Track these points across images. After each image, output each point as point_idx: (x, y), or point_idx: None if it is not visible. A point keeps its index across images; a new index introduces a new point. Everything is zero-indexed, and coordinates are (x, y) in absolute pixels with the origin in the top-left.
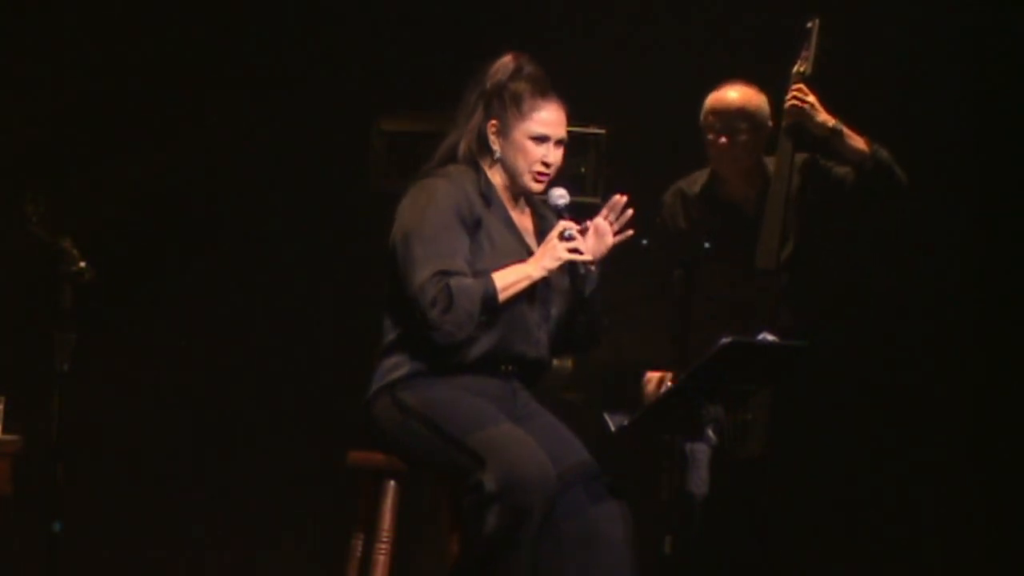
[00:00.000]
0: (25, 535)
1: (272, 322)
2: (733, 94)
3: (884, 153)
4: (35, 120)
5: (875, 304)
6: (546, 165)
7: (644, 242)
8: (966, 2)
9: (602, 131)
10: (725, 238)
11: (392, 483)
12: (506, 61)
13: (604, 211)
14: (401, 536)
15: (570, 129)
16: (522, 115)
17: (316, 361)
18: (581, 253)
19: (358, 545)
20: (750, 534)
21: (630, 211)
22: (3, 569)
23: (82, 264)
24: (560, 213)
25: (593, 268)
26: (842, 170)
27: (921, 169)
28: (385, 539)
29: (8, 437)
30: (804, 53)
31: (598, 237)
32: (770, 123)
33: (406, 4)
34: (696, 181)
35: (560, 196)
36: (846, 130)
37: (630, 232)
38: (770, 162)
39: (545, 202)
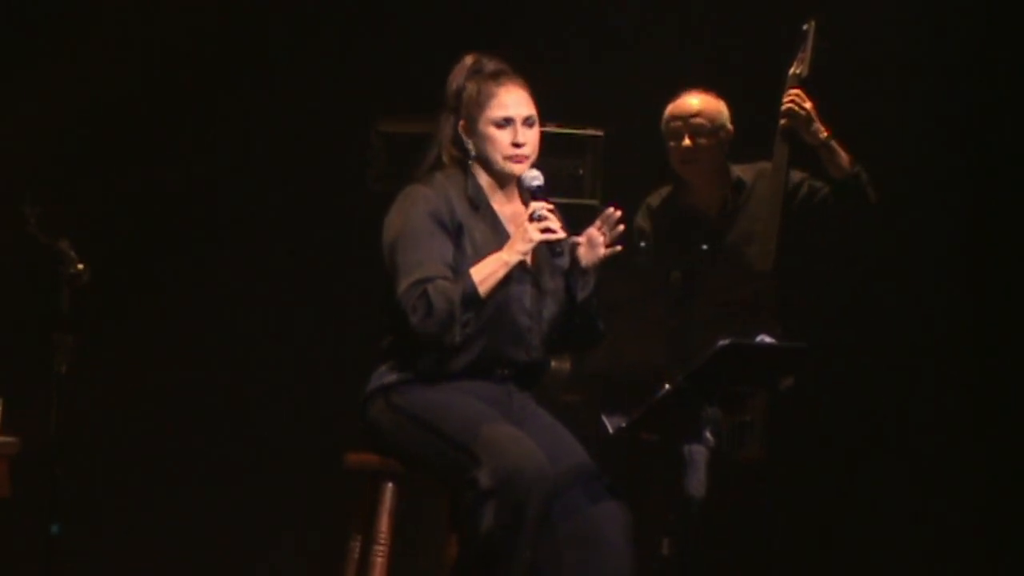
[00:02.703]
0: (24, 537)
1: (271, 323)
2: (693, 100)
3: (864, 174)
4: (34, 122)
5: (874, 305)
6: (517, 146)
7: (643, 244)
8: (966, 2)
9: (599, 133)
10: (688, 246)
11: (390, 485)
12: (464, 62)
13: (598, 222)
14: (399, 538)
15: (568, 131)
16: (480, 105)
17: (315, 362)
18: (554, 232)
19: (356, 547)
20: (748, 536)
21: (621, 227)
22: (2, 571)
23: (80, 266)
24: (534, 194)
25: (590, 274)
26: (822, 187)
27: (920, 170)
28: (383, 541)
29: (7, 439)
30: (800, 55)
31: (591, 247)
32: (730, 127)
33: (406, 5)
34: (660, 194)
35: (534, 178)
36: (835, 144)
37: (619, 248)
38: (740, 168)
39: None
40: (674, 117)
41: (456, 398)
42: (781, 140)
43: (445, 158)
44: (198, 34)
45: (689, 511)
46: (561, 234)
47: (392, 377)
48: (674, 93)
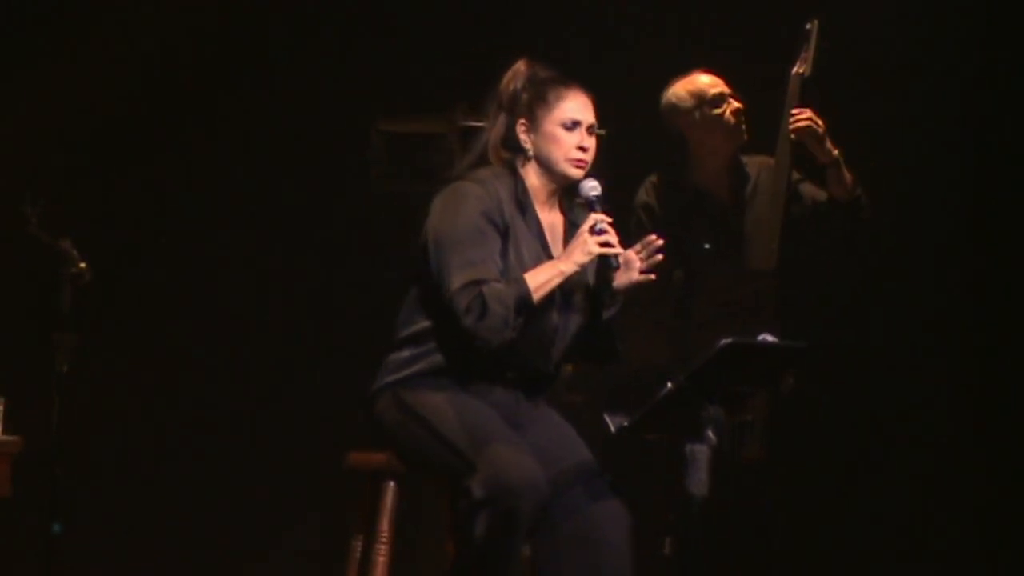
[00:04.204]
0: (25, 537)
1: (272, 323)
2: (708, 74)
3: (863, 195)
4: (34, 122)
5: (874, 305)
6: (582, 150)
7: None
8: (966, 2)
9: (601, 132)
10: (698, 223)
11: (391, 484)
12: (520, 67)
13: (637, 246)
14: (399, 538)
15: None
16: (548, 105)
17: (316, 362)
18: (612, 246)
19: (357, 546)
20: (750, 535)
21: (660, 256)
22: (3, 570)
23: (82, 265)
24: (592, 205)
25: (619, 295)
26: (819, 195)
27: (920, 169)
28: (384, 540)
29: (8, 438)
30: (803, 54)
31: (625, 269)
32: None
33: (406, 5)
34: (664, 173)
35: (592, 188)
36: (843, 164)
37: (652, 276)
38: (745, 158)
39: (580, 205)
40: (712, 86)
41: (462, 402)
42: (785, 139)
43: (492, 159)
44: (198, 34)
45: (690, 510)
46: (619, 249)
47: (404, 372)
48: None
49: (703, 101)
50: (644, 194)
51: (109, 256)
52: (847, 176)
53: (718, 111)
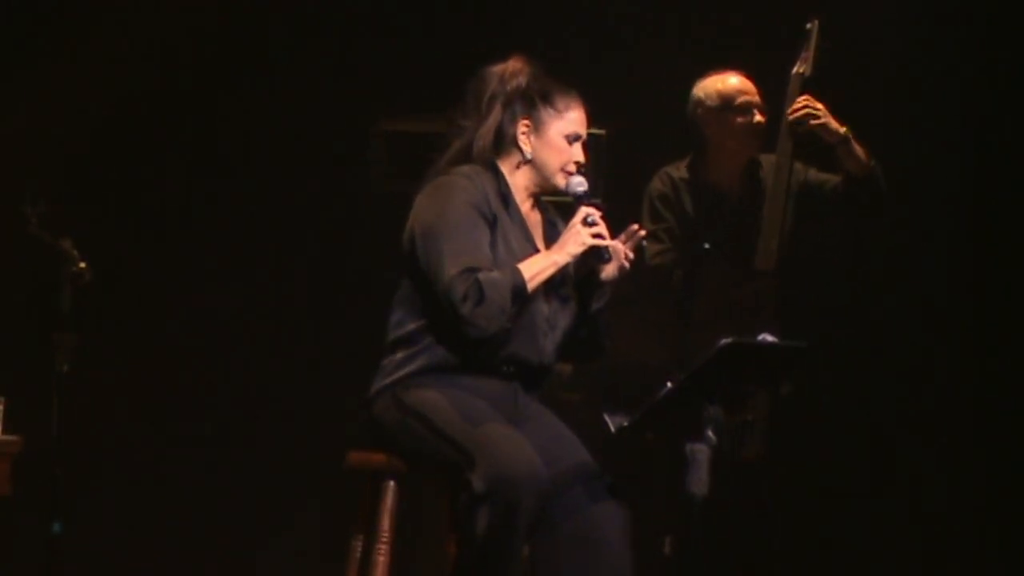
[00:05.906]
0: (25, 536)
1: (272, 323)
2: (745, 79)
3: (878, 167)
4: (34, 122)
5: (874, 304)
6: (578, 164)
7: (644, 243)
8: (966, 2)
9: (601, 132)
10: (718, 224)
11: (391, 484)
12: (517, 64)
13: (622, 236)
14: (400, 537)
15: None
16: (558, 113)
17: (316, 361)
18: (604, 237)
19: (358, 546)
20: (750, 535)
21: (629, 256)
22: (3, 570)
23: (82, 265)
24: (580, 200)
25: (606, 287)
26: (829, 180)
27: (920, 169)
28: (384, 540)
29: (8, 438)
30: (804, 54)
31: (613, 260)
32: None
33: (406, 5)
34: (679, 166)
35: (579, 184)
36: (853, 139)
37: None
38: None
39: (555, 206)
40: (742, 93)
41: (459, 396)
42: (785, 138)
43: (477, 153)
44: (198, 34)
45: (691, 510)
46: (610, 241)
47: (401, 372)
48: (703, 74)
49: (727, 106)
50: (660, 184)
51: (109, 256)
52: (859, 150)
53: (740, 120)
